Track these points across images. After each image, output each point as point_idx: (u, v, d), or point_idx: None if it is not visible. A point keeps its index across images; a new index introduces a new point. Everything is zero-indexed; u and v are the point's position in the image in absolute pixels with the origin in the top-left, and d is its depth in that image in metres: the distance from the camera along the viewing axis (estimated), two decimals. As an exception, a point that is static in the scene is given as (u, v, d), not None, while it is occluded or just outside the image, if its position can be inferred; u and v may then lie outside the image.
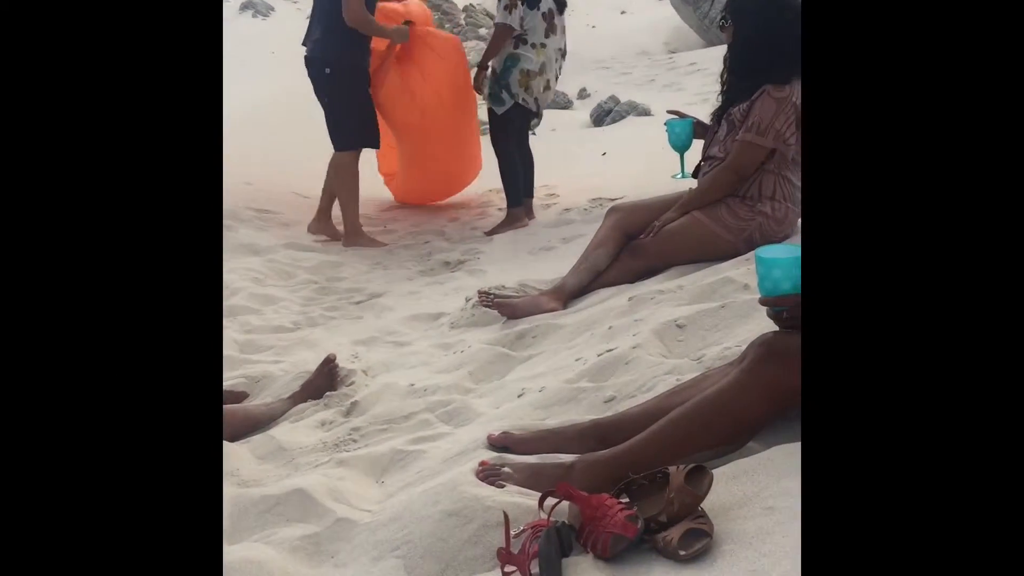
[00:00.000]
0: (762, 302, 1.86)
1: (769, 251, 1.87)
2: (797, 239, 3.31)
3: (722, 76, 3.49)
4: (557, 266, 4.03)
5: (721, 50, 3.56)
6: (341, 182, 5.23)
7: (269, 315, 4.11)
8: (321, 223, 5.46)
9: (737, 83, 3.39)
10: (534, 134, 8.06)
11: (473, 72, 5.52)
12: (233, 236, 5.29)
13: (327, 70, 5.04)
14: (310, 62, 5.12)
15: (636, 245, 3.50)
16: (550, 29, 5.33)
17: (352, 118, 5.15)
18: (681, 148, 3.64)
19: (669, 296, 3.03)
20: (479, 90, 5.53)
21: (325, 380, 2.92)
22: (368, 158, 5.53)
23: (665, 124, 3.66)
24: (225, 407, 2.80)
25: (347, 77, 5.07)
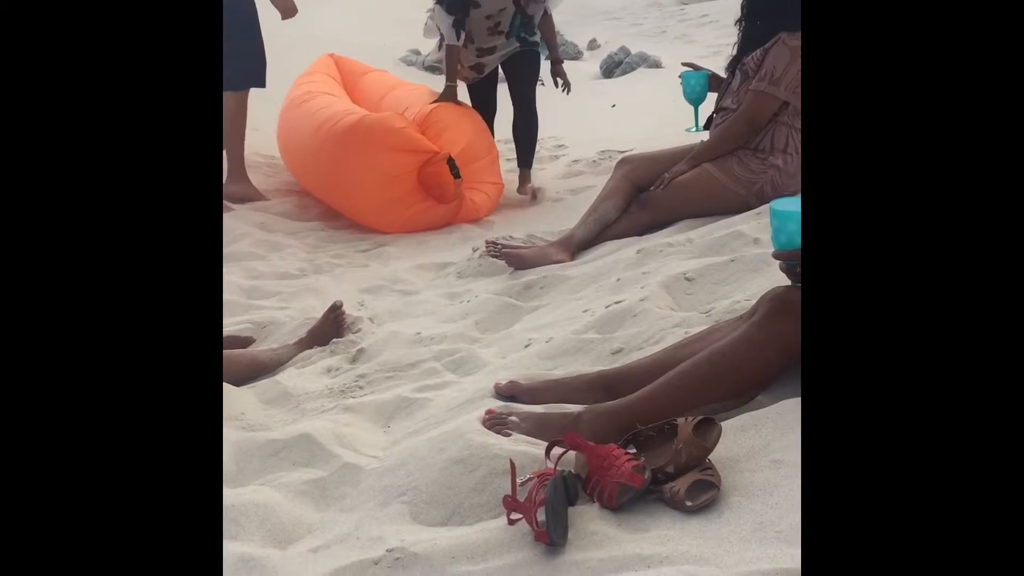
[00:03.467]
0: (776, 255, 1.84)
1: (784, 204, 1.84)
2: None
3: (738, 23, 3.43)
4: (565, 217, 4.01)
5: (733, 1, 3.49)
6: (228, 124, 4.87)
7: (275, 261, 4.10)
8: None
9: (751, 30, 3.33)
10: (542, 84, 7.98)
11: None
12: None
13: None
14: None
15: (646, 197, 3.47)
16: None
17: (236, 57, 4.68)
18: (696, 101, 3.59)
19: (678, 249, 3.00)
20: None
21: (331, 327, 2.91)
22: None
23: (680, 76, 3.61)
24: (231, 352, 2.80)
25: (228, 14, 4.49)
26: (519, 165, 5.10)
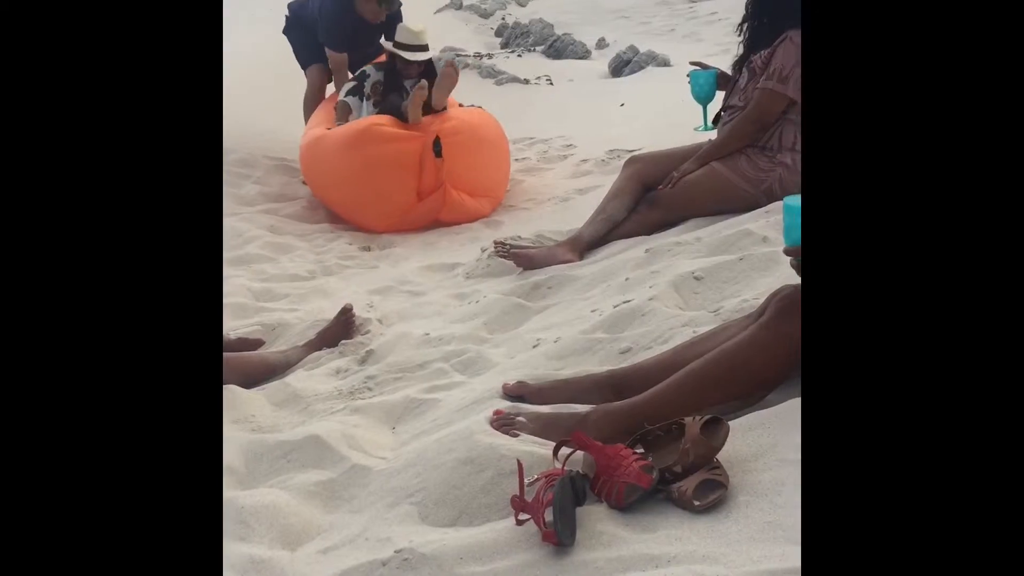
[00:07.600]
0: (788, 252, 1.83)
1: (797, 200, 1.83)
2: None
3: (742, 24, 3.42)
4: (573, 217, 4.00)
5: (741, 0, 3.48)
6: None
7: (285, 263, 4.11)
8: None
9: (759, 29, 3.32)
10: (551, 83, 7.95)
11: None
12: (248, 184, 5.27)
13: None
14: None
15: (654, 196, 3.46)
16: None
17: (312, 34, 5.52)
18: (704, 99, 3.58)
19: (687, 248, 3.00)
20: None
21: (341, 328, 2.92)
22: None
23: (688, 75, 3.60)
24: (241, 354, 2.81)
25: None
26: None
